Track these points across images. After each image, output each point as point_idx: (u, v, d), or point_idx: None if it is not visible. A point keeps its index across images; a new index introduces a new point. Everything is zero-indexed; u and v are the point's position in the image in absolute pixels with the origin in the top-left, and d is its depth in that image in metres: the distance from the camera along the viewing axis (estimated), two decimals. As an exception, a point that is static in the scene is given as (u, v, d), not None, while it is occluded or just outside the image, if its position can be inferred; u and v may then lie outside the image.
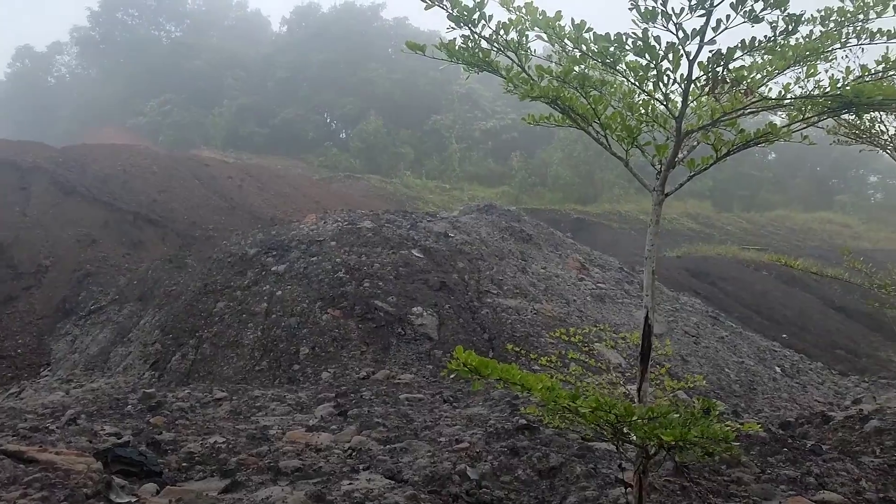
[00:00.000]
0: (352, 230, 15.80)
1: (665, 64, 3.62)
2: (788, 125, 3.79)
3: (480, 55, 4.12)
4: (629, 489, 4.79)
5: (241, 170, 31.96)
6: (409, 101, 59.08)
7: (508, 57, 4.16)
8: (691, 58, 3.59)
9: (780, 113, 4.28)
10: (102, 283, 18.00)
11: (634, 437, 3.71)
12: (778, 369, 15.14)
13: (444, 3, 3.87)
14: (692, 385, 4.91)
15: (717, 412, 4.02)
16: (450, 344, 11.92)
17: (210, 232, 22.55)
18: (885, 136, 5.96)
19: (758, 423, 7.21)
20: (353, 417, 7.05)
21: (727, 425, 4.13)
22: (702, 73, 3.68)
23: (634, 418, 3.45)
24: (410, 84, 59.79)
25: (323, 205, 28.37)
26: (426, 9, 3.87)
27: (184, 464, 5.43)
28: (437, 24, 59.84)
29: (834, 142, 6.87)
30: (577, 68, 3.83)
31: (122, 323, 15.23)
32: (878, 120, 5.88)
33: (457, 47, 4.13)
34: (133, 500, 4.33)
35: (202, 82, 61.14)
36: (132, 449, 5.17)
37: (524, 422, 6.33)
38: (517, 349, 6.15)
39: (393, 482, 4.94)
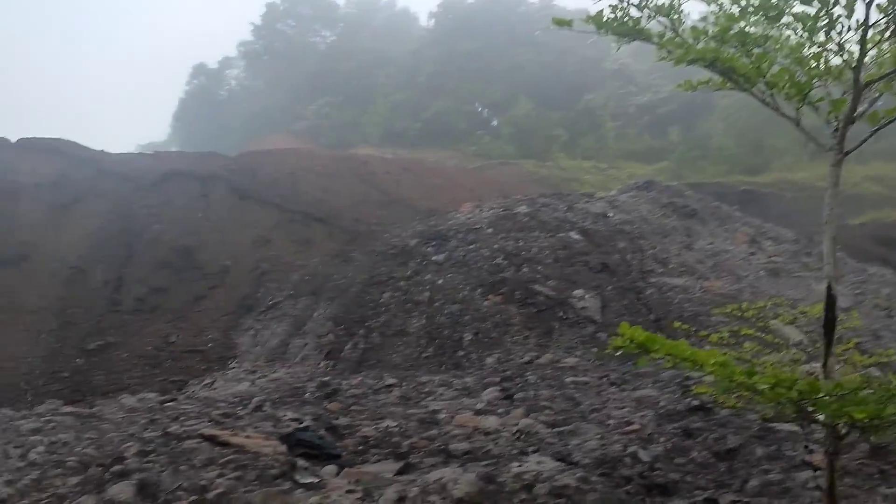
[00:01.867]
0: (508, 216, 15.84)
1: (837, 10, 3.32)
2: None
3: (630, 24, 3.98)
4: (818, 472, 4.48)
5: (398, 164, 32.92)
6: (559, 83, 58.25)
7: (660, 22, 3.99)
8: (867, 0, 3.27)
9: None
10: (278, 280, 19.18)
11: (821, 417, 3.45)
12: None
13: (590, -28, 3.77)
14: (885, 359, 4.49)
15: (918, 388, 3.65)
16: (614, 326, 11.64)
17: (372, 226, 23.42)
18: None
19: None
20: (519, 401, 7.09)
21: (930, 402, 3.75)
22: (881, 15, 3.34)
23: (821, 395, 3.21)
24: (560, 65, 58.94)
25: (478, 193, 28.66)
26: (571, -19, 3.79)
27: (359, 447, 5.68)
28: (585, 1, 58.60)
29: None
30: (736, 26, 3.60)
31: (298, 316, 16.18)
32: None
33: (605, 18, 4.02)
34: (315, 480, 4.58)
35: (356, 83, 63.52)
36: (312, 433, 5.48)
37: (697, 403, 6.09)
38: (686, 327, 5.91)
39: (562, 464, 4.90)
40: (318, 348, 13.82)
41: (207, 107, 74.89)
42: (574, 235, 14.72)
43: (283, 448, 5.21)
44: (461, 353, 11.62)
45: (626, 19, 3.97)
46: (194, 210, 23.22)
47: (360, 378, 10.05)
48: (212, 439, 5.10)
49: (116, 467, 4.70)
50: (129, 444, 6.43)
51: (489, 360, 10.99)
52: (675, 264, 14.02)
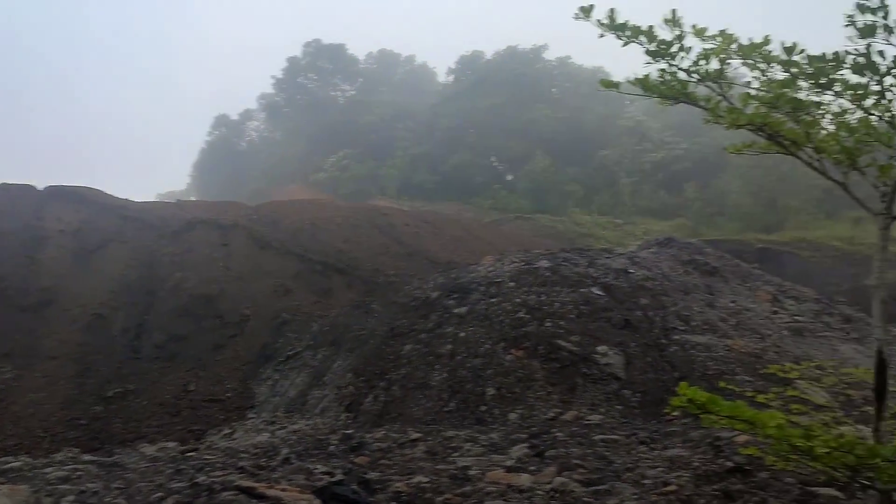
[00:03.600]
0: (529, 270, 15.86)
1: (888, 80, 3.40)
2: None
3: (678, 87, 4.08)
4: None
5: (417, 217, 33.19)
6: (575, 139, 58.97)
7: (708, 87, 4.09)
8: (919, 70, 3.36)
9: None
10: (297, 330, 19.21)
11: (878, 483, 3.41)
12: None
13: (641, 38, 3.88)
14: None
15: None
16: (638, 383, 11.58)
17: (391, 277, 23.50)
18: None
19: None
20: (550, 458, 7.01)
21: None
22: (931, 85, 3.42)
23: (878, 461, 3.19)
24: (576, 122, 59.75)
25: (495, 246, 28.78)
26: (623, 45, 3.90)
27: (393, 502, 5.63)
28: (600, 60, 59.79)
29: None
30: (787, 91, 3.69)
31: (317, 367, 16.14)
32: None
33: (652, 82, 4.12)
34: (354, 535, 4.54)
35: (375, 136, 64.52)
36: (346, 487, 5.44)
37: (731, 464, 6.00)
38: (734, 387, 5.87)
39: (602, 525, 4.84)
40: (337, 400, 13.74)
41: (227, 157, 76.29)
42: (596, 291, 14.69)
43: (318, 501, 5.17)
44: (483, 408, 11.53)
45: (673, 83, 4.06)
46: (216, 259, 23.43)
47: (383, 431, 9.98)
48: (249, 491, 5.07)
49: (157, 518, 4.67)
50: (158, 493, 6.41)
51: (512, 416, 10.90)
52: (698, 322, 13.94)
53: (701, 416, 3.07)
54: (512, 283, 15.30)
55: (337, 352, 16.29)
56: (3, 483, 6.54)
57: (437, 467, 7.07)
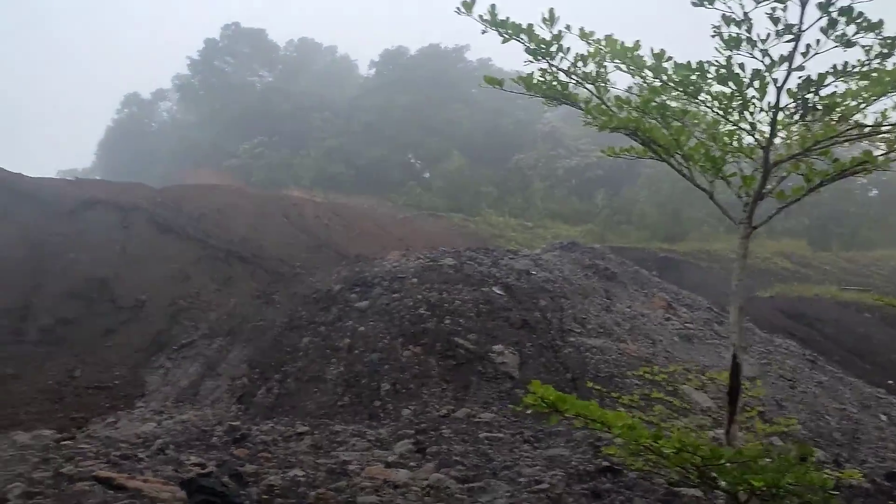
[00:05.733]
0: (433, 267, 15.88)
1: (751, 92, 3.51)
2: (887, 153, 3.59)
3: (558, 88, 4.10)
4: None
5: (329, 209, 32.76)
6: (492, 141, 59.48)
7: (587, 89, 4.12)
8: (779, 85, 3.47)
9: (879, 143, 4.06)
10: (194, 318, 18.60)
11: (723, 483, 3.51)
12: (884, 417, 14.18)
13: (522, 36, 3.88)
14: (786, 429, 4.63)
15: (814, 459, 3.77)
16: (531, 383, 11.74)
17: (297, 269, 23.09)
18: None
19: (861, 473, 6.75)
20: (432, 455, 7.00)
21: (826, 473, 3.87)
22: (791, 100, 3.54)
23: (723, 462, 3.28)
24: (493, 124, 60.27)
25: (406, 242, 28.70)
26: (503, 42, 3.88)
27: (264, 496, 5.48)
28: (520, 64, 60.28)
29: (940, 174, 6.46)
30: (657, 99, 3.76)
31: (212, 357, 15.67)
32: None
33: (534, 81, 4.12)
34: (213, 529, 4.38)
35: (292, 125, 63.29)
36: (215, 479, 5.26)
37: (607, 464, 6.13)
38: (599, 388, 5.99)
39: (470, 522, 4.83)
40: (230, 391, 13.38)
41: (136, 137, 73.33)
42: (497, 291, 14.83)
43: (183, 494, 4.98)
44: (378, 403, 11.44)
45: (554, 83, 4.07)
46: (112, 241, 22.45)
47: (270, 424, 9.77)
48: (107, 482, 4.83)
49: (-4, 509, 4.39)
50: (14, 484, 6.04)
51: (405, 412, 10.84)
52: (594, 325, 14.25)
53: (549, 414, 3.09)
54: (415, 279, 15.28)
55: (234, 342, 15.87)
56: None
57: (318, 461, 6.95)
